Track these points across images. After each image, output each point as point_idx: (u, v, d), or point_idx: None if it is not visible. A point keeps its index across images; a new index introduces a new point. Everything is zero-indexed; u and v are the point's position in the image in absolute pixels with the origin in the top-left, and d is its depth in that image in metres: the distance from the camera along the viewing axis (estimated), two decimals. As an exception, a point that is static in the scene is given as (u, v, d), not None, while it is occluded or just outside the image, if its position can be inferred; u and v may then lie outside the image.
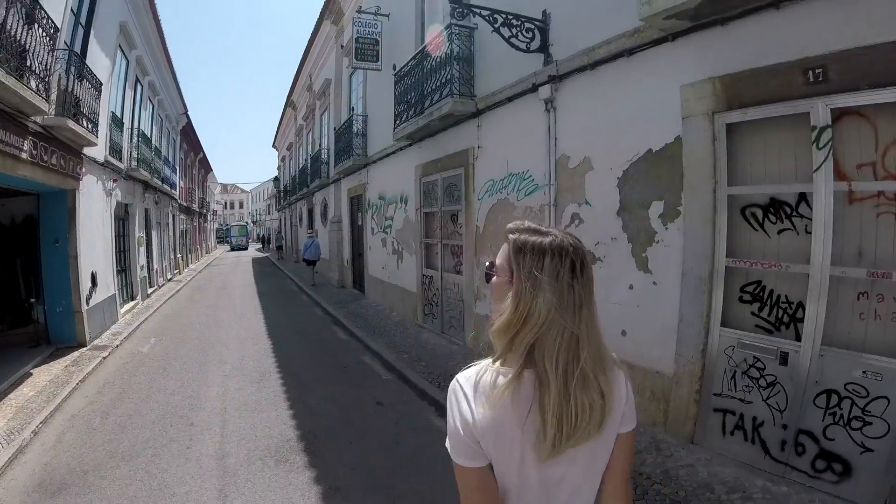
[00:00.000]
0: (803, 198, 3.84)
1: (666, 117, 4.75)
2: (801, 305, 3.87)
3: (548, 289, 1.22)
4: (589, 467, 1.35)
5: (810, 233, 3.77)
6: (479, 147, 8.00)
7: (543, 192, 6.63)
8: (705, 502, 3.73)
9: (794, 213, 3.92)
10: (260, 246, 57.26)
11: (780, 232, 4.03)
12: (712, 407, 4.40)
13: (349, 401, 6.50)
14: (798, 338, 3.84)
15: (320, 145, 19.70)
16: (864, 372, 3.49)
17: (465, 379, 1.34)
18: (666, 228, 4.82)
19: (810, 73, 3.59)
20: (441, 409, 6.02)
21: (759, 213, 4.14)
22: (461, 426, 1.28)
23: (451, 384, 1.36)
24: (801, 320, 3.85)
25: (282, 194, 35.57)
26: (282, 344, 9.42)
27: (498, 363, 1.31)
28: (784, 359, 3.86)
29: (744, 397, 4.18)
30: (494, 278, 1.38)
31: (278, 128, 36.66)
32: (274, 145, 41.28)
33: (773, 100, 3.85)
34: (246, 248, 52.46)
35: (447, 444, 1.32)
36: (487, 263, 1.42)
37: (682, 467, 4.19)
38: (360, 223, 15.09)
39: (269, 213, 61.25)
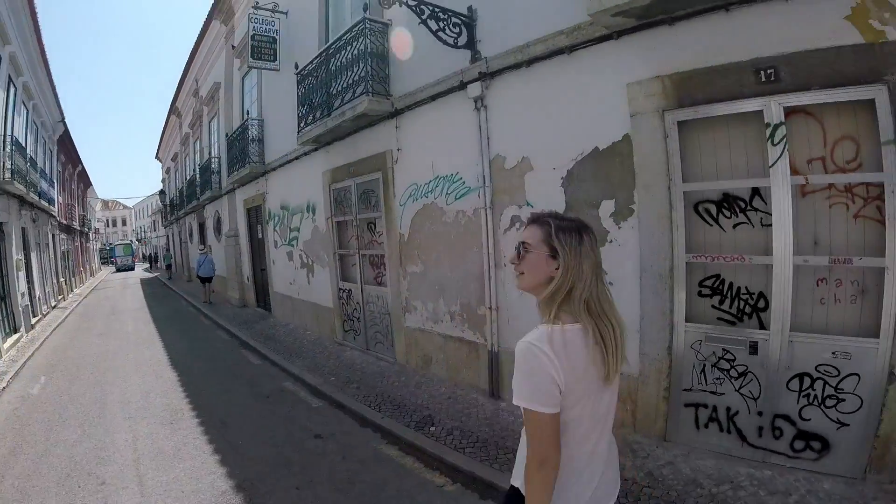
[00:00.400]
0: (756, 192, 3.87)
1: (612, 115, 4.53)
2: (762, 295, 3.93)
3: (589, 255, 1.66)
4: (613, 396, 1.78)
5: (767, 225, 3.83)
6: (398, 150, 7.16)
7: (477, 195, 6.02)
8: (698, 499, 3.61)
9: (749, 207, 3.93)
10: (147, 265, 52.63)
11: (735, 226, 4.02)
12: (683, 402, 4.32)
13: (281, 436, 5.46)
14: (763, 326, 3.90)
15: (210, 154, 17.71)
16: (833, 353, 3.60)
17: (539, 342, 1.59)
18: (619, 227, 4.60)
19: (762, 73, 3.65)
20: (388, 435, 5.40)
21: (713, 209, 4.10)
22: (548, 380, 1.56)
23: (524, 350, 1.61)
24: (764, 310, 3.92)
25: (168, 209, 32.37)
26: (189, 375, 8.01)
27: (557, 325, 1.62)
28: (754, 348, 3.89)
29: (715, 389, 4.15)
30: (531, 255, 1.69)
31: (162, 137, 33.12)
32: (157, 156, 37.40)
33: (725, 98, 3.83)
34: (133, 269, 48.13)
35: (531, 400, 1.57)
36: (519, 243, 1.73)
37: (663, 466, 4.06)
38: (260, 236, 13.58)
39: (154, 230, 56.53)
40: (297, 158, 10.32)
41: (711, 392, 4.20)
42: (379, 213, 7.88)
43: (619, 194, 4.56)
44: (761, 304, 3.96)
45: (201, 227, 21.44)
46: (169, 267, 32.36)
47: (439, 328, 6.95)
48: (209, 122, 18.27)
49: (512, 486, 1.84)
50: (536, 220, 1.74)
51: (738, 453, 4.06)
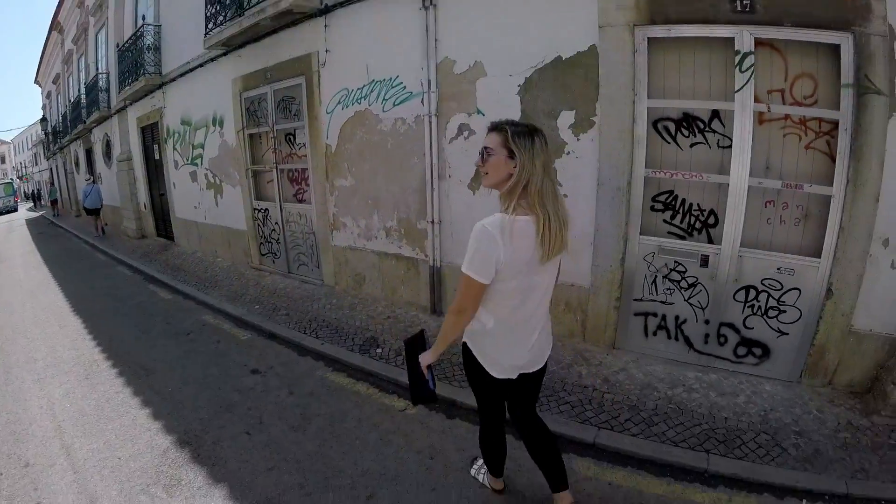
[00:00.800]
0: (716, 115, 3.86)
1: (579, 24, 4.18)
2: (712, 212, 3.98)
3: (540, 154, 1.91)
4: (550, 276, 2.13)
5: (724, 147, 3.85)
6: (326, 51, 6.13)
7: (420, 101, 5.30)
8: (657, 401, 3.66)
9: (707, 129, 3.92)
10: (31, 205, 46.20)
11: (692, 145, 3.99)
12: (633, 312, 4.38)
13: (214, 376, 4.61)
14: (711, 241, 3.99)
15: (97, 70, 15.06)
16: (778, 269, 3.78)
17: (492, 227, 1.87)
18: (577, 139, 4.34)
19: (738, 2, 3.60)
20: (332, 363, 4.84)
21: (672, 127, 4.04)
22: (491, 257, 1.89)
23: (479, 231, 1.89)
24: (713, 226, 4.00)
25: (51, 138, 28.30)
26: (95, 320, 6.64)
27: (511, 214, 1.89)
28: (705, 261, 3.97)
29: (665, 299, 4.22)
30: (493, 157, 1.95)
31: (42, 58, 28.68)
32: (37, 81, 32.63)
33: (699, 21, 3.74)
34: (16, 210, 40.96)
35: (470, 269, 1.93)
36: (483, 148, 1.98)
37: (617, 373, 4.10)
38: (157, 157, 11.79)
39: (36, 164, 49.90)
40: (201, 66, 8.79)
41: (661, 302, 4.24)
42: (301, 123, 6.86)
43: (580, 106, 4.28)
44: (711, 220, 4.01)
45: (88, 154, 18.55)
46: (55, 203, 28.53)
47: (373, 245, 6.27)
48: (96, 35, 15.49)
49: (464, 344, 2.26)
50: (495, 127, 1.97)
51: (684, 359, 4.19)
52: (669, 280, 4.18)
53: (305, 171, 7.11)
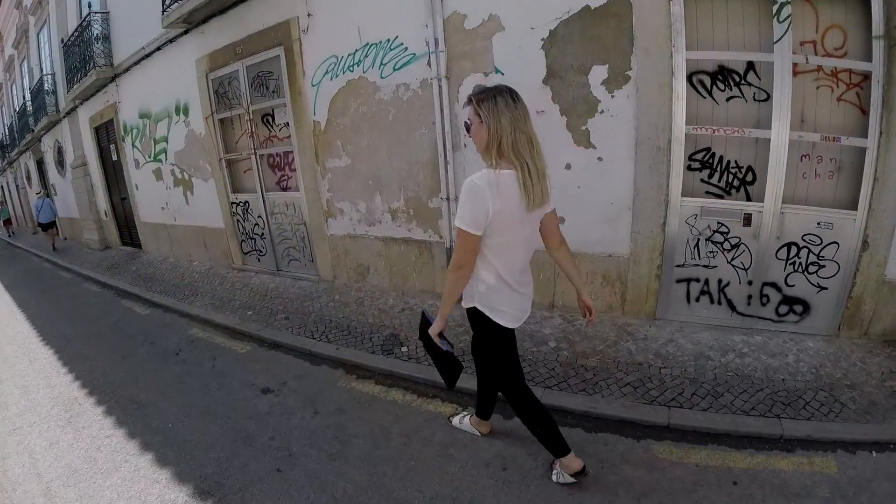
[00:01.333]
0: (751, 67, 3.61)
1: None
2: (750, 169, 3.75)
3: (504, 111, 1.94)
4: (534, 228, 2.18)
5: (759, 101, 3.62)
6: (308, 15, 5.24)
7: (426, 63, 4.56)
8: (714, 371, 3.42)
9: (743, 82, 3.64)
10: None
11: (728, 99, 3.70)
12: (675, 279, 4.09)
13: (220, 403, 3.71)
14: (749, 199, 3.77)
15: (42, 72, 13.47)
16: (818, 223, 3.61)
17: (479, 180, 1.94)
18: (612, 96, 3.86)
19: None
20: (354, 369, 4.06)
21: (707, 81, 3.71)
22: (482, 209, 1.94)
23: (468, 185, 1.95)
24: (751, 183, 3.76)
25: None
26: (69, 348, 5.51)
27: (496, 170, 1.95)
28: (748, 220, 3.76)
29: (708, 263, 3.96)
30: (473, 126, 2.03)
31: None
32: None
33: None
34: None
35: (463, 222, 1.98)
36: (465, 122, 2.08)
37: (665, 345, 3.80)
38: (115, 158, 10.50)
39: None
40: (159, 49, 7.69)
41: (704, 266, 3.98)
42: (282, 100, 5.95)
43: (613, 59, 3.80)
44: (749, 177, 3.78)
45: (40, 165, 16.95)
46: (7, 222, 26.20)
47: (377, 231, 5.46)
48: (38, 34, 14.05)
49: (467, 309, 2.28)
50: (468, 99, 2.06)
51: (728, 323, 4.00)
52: (712, 242, 3.90)
53: (289, 155, 6.21)
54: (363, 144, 5.25)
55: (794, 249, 3.69)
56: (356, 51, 5.03)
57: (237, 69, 6.36)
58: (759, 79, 3.57)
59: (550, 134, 3.97)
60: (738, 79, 3.63)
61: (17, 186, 23.35)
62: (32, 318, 7.03)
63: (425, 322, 2.36)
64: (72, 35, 10.20)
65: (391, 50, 4.80)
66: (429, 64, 4.57)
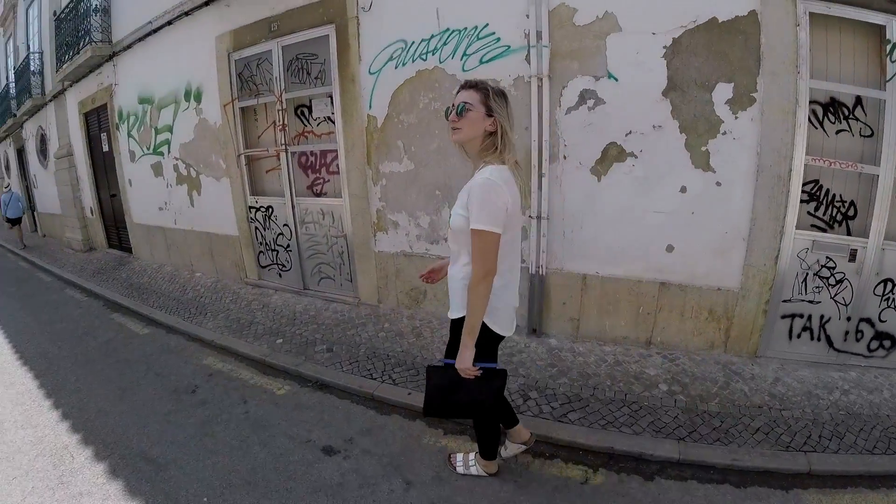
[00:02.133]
0: (859, 102, 3.47)
1: None
2: (852, 204, 3.62)
3: (509, 111, 1.99)
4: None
5: (864, 136, 3.51)
6: None
7: (524, 59, 3.82)
8: (828, 410, 3.24)
9: (850, 116, 3.50)
10: None
11: (837, 132, 3.55)
12: (780, 314, 3.84)
13: (269, 468, 2.81)
14: (849, 233, 3.66)
15: (28, 50, 12.00)
16: None
17: (495, 177, 1.86)
18: (736, 117, 3.49)
19: None
20: (452, 425, 3.20)
21: (820, 111, 3.52)
22: (502, 208, 1.85)
23: (486, 184, 1.84)
24: (852, 218, 3.64)
25: None
26: (52, 373, 4.37)
27: (502, 165, 1.94)
28: (853, 255, 3.65)
29: (813, 298, 3.78)
30: (472, 113, 1.93)
31: None
32: None
33: (856, 3, 3.33)
34: None
35: (486, 222, 1.83)
36: (462, 103, 1.94)
37: (774, 384, 3.55)
38: (106, 148, 9.21)
39: None
40: (169, 23, 6.58)
41: (809, 301, 3.80)
42: (326, 89, 5.01)
43: (739, 79, 3.45)
44: (850, 212, 3.63)
45: (20, 154, 15.47)
46: None
47: (439, 250, 4.57)
48: (27, 10, 12.66)
49: (452, 320, 2.18)
50: (473, 85, 1.98)
51: (825, 359, 3.87)
52: (819, 277, 3.73)
53: (329, 154, 5.28)
54: (432, 147, 4.37)
55: (889, 285, 3.60)
56: (432, 36, 4.20)
57: (270, 49, 5.39)
58: (866, 114, 3.47)
59: (666, 152, 3.61)
60: (846, 112, 3.51)
61: (-1, 177, 21.37)
62: (7, 330, 5.87)
63: (438, 373, 2.20)
64: (66, 6, 8.99)
65: (478, 39, 3.99)
66: (527, 60, 3.82)
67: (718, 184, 3.57)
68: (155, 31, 6.89)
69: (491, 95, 1.94)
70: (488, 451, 2.55)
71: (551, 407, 3.26)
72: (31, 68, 11.65)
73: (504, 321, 2.11)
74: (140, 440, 3.20)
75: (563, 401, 3.33)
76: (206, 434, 3.22)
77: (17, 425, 3.50)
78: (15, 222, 12.50)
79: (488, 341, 2.08)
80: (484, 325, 2.00)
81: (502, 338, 2.16)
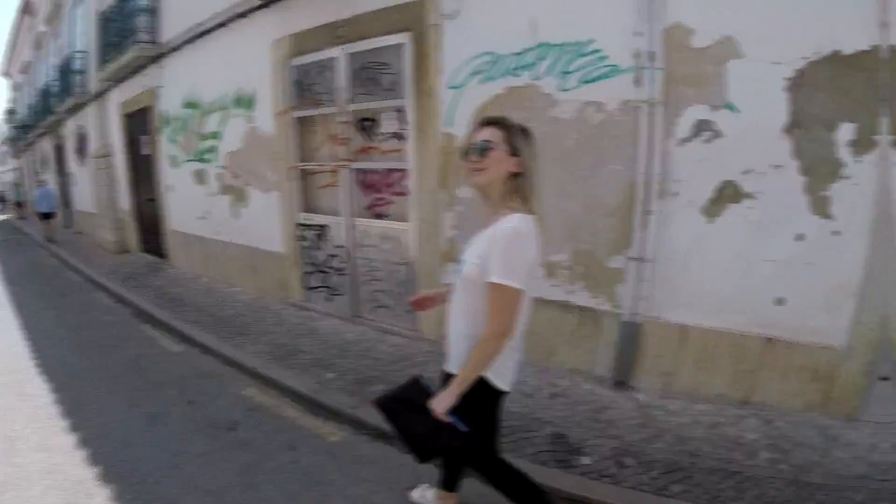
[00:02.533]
0: None
1: (858, 16, 2.97)
2: None
3: (534, 158, 1.79)
4: None
5: None
6: None
7: (632, 81, 3.41)
8: None
9: None
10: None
11: None
12: (878, 376, 3.47)
13: None
14: None
15: (73, 49, 11.91)
16: None
17: (523, 227, 1.66)
18: (857, 161, 3.09)
19: None
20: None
21: None
22: (528, 261, 1.68)
23: (514, 233, 1.64)
24: None
25: (19, 132, 24.27)
26: (72, 387, 4.02)
27: (529, 213, 1.73)
28: None
29: None
30: (495, 153, 1.73)
31: (13, 47, 24.67)
32: (8, 72, 27.72)
33: None
34: None
35: (511, 277, 1.62)
36: (484, 141, 1.73)
37: (871, 451, 3.12)
38: (146, 152, 9.03)
39: (2, 164, 43.83)
40: (222, 25, 6.29)
41: None
42: (399, 102, 4.65)
43: (861, 119, 3.05)
44: None
45: (59, 150, 15.47)
46: (20, 205, 24.37)
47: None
48: (71, 10, 12.74)
49: (448, 374, 1.95)
50: (494, 122, 1.79)
51: None
52: None
53: (396, 174, 4.91)
54: (518, 173, 3.88)
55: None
56: (526, 50, 3.83)
57: (335, 57, 5.06)
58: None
59: (784, 195, 3.19)
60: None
61: (34, 171, 21.76)
62: (28, 328, 5.56)
63: (417, 389, 2.00)
64: (113, 5, 8.85)
65: (581, 56, 3.60)
66: (636, 82, 3.42)
67: (836, 233, 3.15)
68: (206, 32, 6.64)
69: (516, 133, 1.78)
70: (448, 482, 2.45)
71: (650, 477, 2.81)
72: (74, 67, 11.64)
73: (509, 377, 1.93)
74: (171, 485, 2.80)
75: (662, 469, 2.87)
76: (248, 485, 2.81)
77: (30, 447, 3.16)
78: (46, 217, 12.78)
79: (486, 398, 1.89)
80: (485, 382, 1.81)
81: (504, 395, 1.95)
